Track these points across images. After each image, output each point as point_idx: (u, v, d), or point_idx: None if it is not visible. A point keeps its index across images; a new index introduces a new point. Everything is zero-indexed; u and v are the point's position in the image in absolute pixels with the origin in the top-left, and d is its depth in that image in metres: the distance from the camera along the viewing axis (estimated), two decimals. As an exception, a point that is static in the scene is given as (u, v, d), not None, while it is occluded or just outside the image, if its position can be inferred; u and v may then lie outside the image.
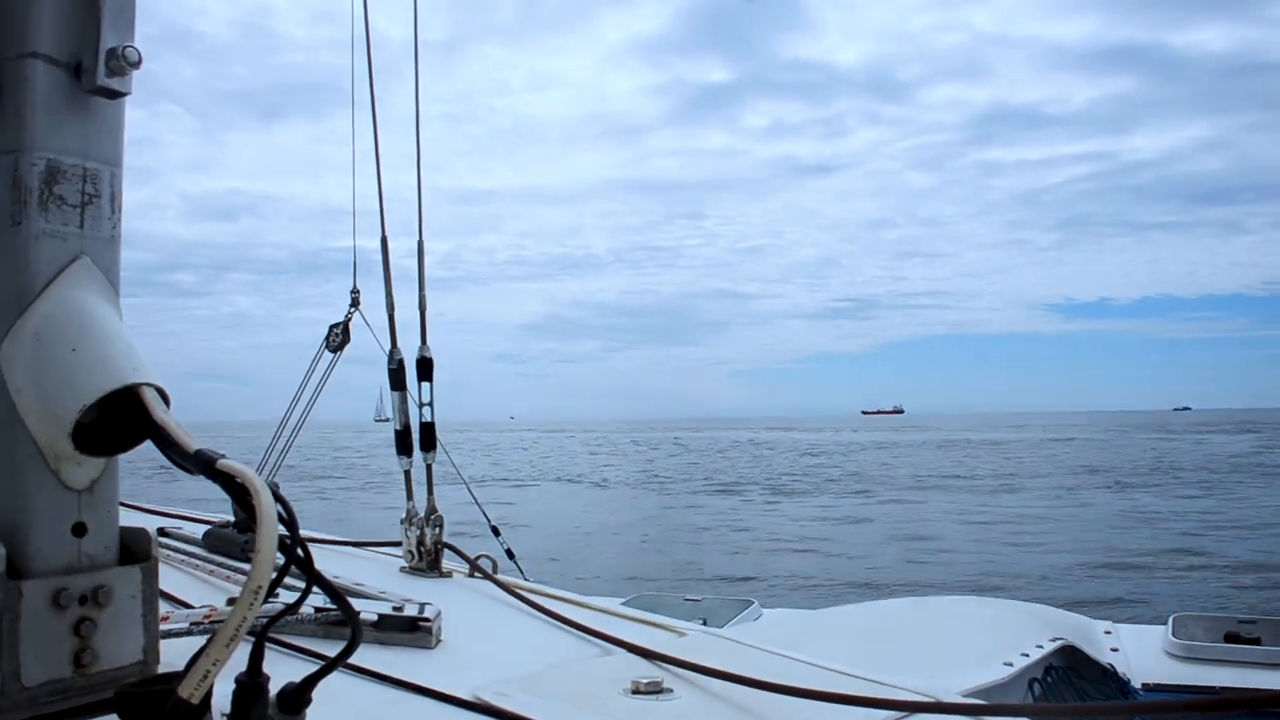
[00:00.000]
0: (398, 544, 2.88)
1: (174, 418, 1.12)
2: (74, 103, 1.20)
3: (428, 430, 2.94)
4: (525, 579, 3.10)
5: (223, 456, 1.04)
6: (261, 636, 1.06)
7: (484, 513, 3.83)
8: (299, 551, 1.02)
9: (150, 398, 1.12)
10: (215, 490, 1.05)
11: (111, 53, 1.19)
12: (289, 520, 1.01)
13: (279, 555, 0.99)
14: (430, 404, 2.93)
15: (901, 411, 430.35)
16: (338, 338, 3.65)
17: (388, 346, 3.03)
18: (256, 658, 1.05)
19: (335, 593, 1.06)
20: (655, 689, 1.71)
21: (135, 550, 1.26)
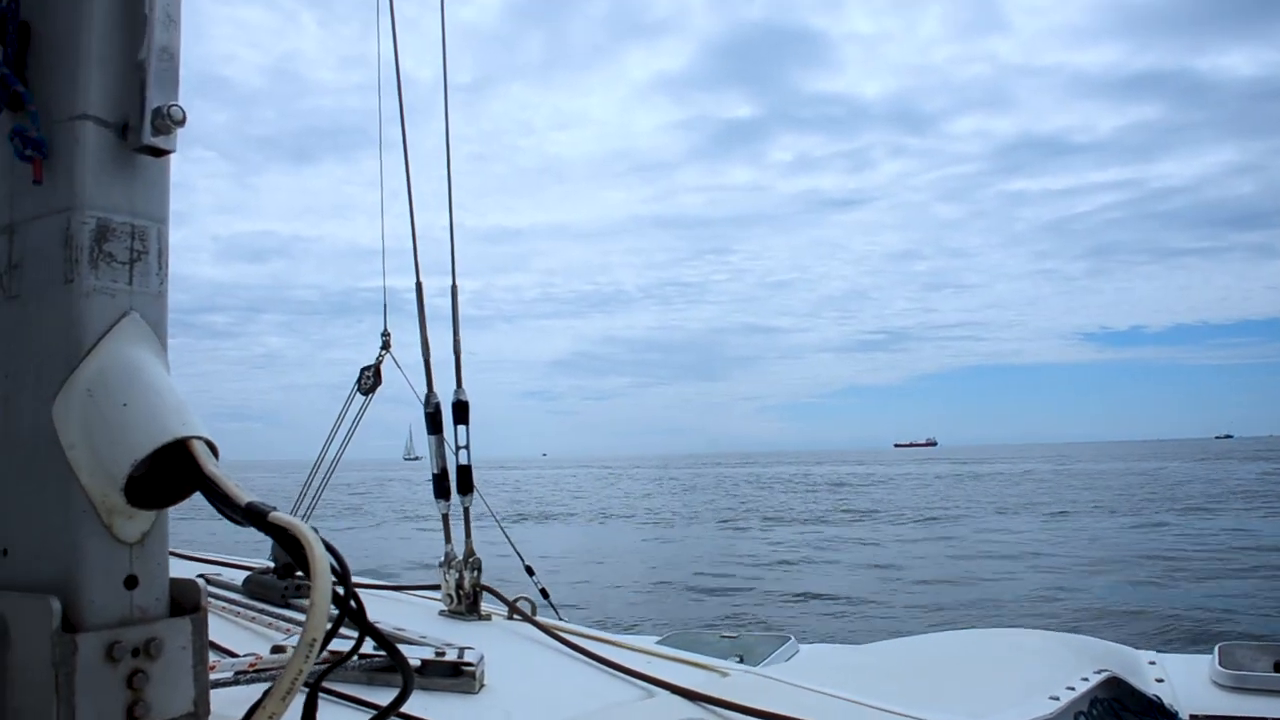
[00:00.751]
0: (436, 587, 2.88)
1: (223, 470, 1.13)
2: (122, 162, 1.22)
3: (464, 473, 2.94)
4: (560, 619, 3.09)
5: (274, 509, 1.05)
6: (315, 688, 1.06)
7: (517, 552, 3.82)
8: (352, 603, 1.02)
9: (200, 451, 1.13)
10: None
11: (157, 112, 1.22)
12: (341, 572, 1.01)
13: (333, 607, 0.99)
14: (466, 447, 2.93)
15: (935, 444, 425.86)
16: (369, 380, 3.67)
17: (421, 389, 3.04)
18: (310, 709, 1.05)
19: (388, 643, 1.07)
20: None
21: (184, 602, 1.26)
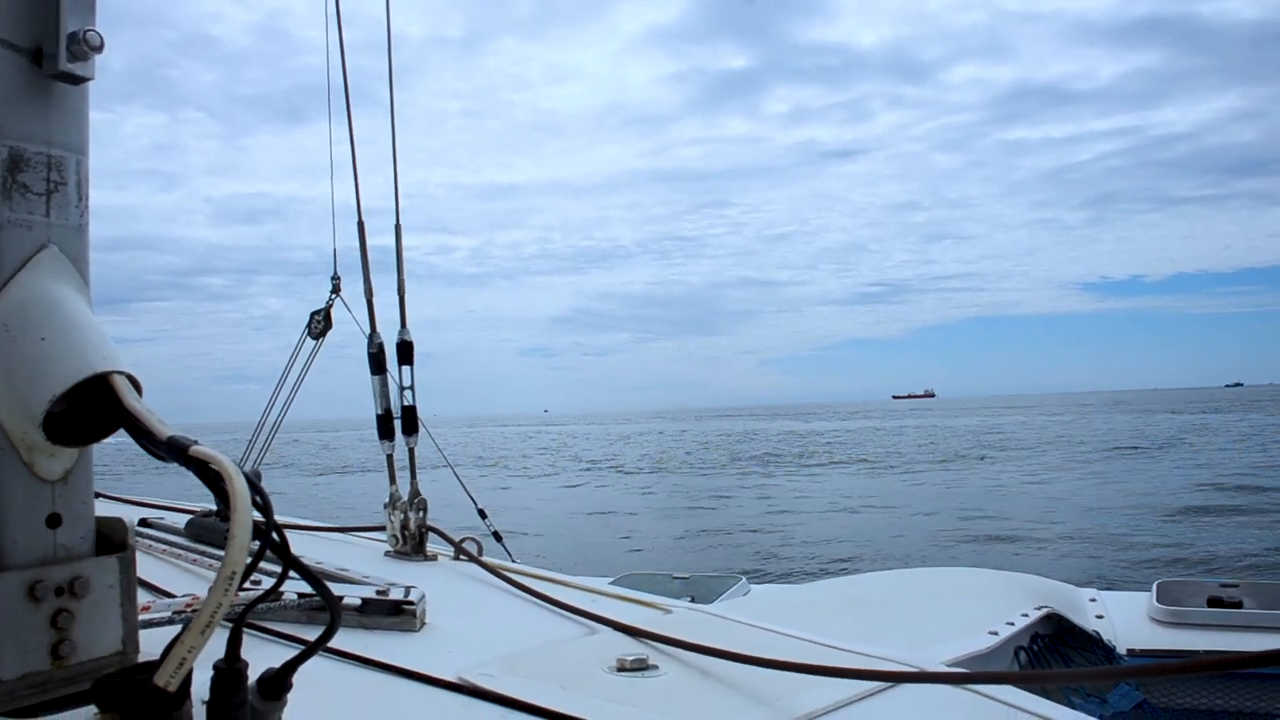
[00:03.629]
0: (382, 529, 2.88)
1: (146, 405, 1.10)
2: (35, 89, 1.18)
3: (409, 414, 2.93)
4: (513, 561, 3.11)
5: (196, 443, 1.03)
6: (239, 622, 1.06)
7: (469, 495, 3.84)
8: (274, 536, 1.01)
9: (122, 386, 1.10)
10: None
11: (73, 37, 1.17)
12: (264, 505, 1.00)
13: (254, 540, 0.98)
14: (411, 387, 2.92)
15: (933, 395, 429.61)
16: (319, 324, 3.64)
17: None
18: (234, 644, 1.04)
19: (312, 576, 1.06)
20: (641, 666, 1.71)
21: (112, 539, 1.25)
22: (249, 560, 0.97)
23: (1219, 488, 22.15)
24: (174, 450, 1.03)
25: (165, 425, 1.07)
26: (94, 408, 1.12)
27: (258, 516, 0.99)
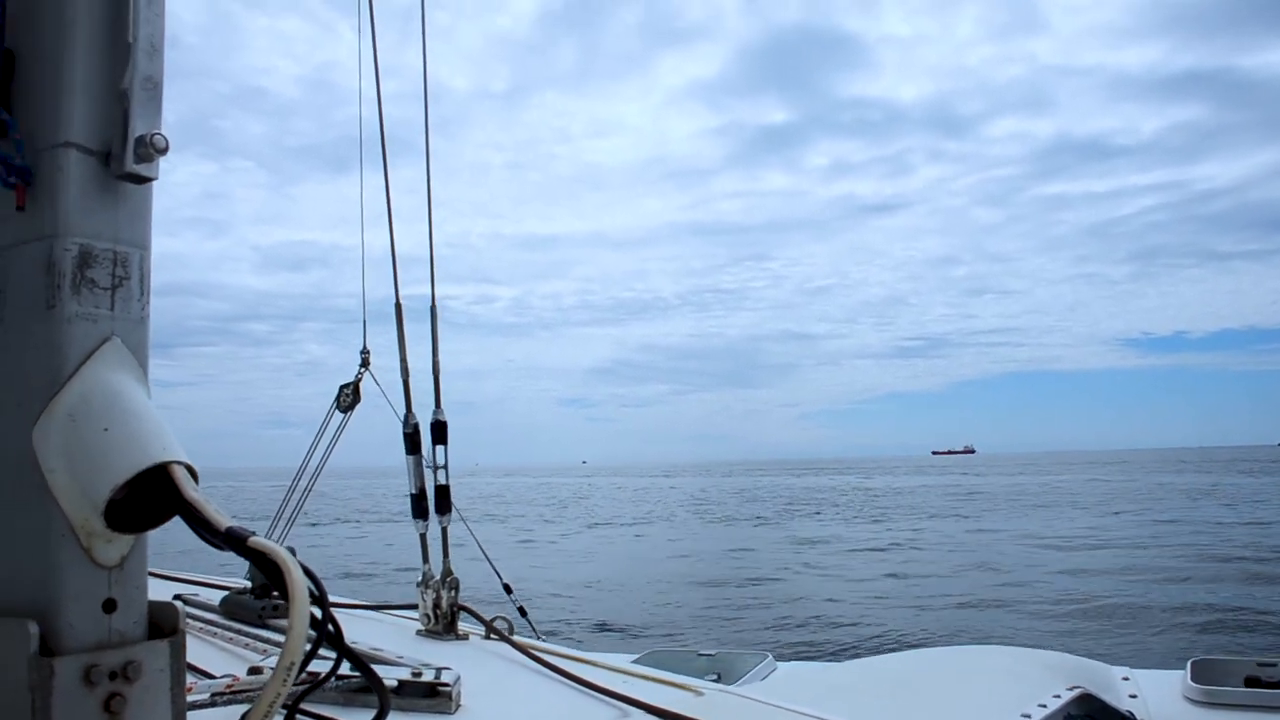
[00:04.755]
0: (414, 606, 2.88)
1: (203, 494, 1.14)
2: (104, 189, 1.23)
3: (442, 493, 2.94)
4: (539, 637, 3.10)
5: (253, 534, 1.06)
6: (293, 710, 1.07)
7: (495, 570, 3.83)
8: (329, 627, 1.03)
9: (180, 476, 1.14)
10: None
11: (140, 140, 1.23)
12: (319, 596, 1.02)
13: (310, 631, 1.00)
14: (445, 467, 2.94)
15: (973, 451, 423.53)
16: (348, 398, 3.67)
17: (401, 409, 3.04)
18: None
19: (365, 667, 1.08)
20: None
21: (162, 624, 1.27)
22: (306, 650, 0.99)
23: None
24: (232, 541, 1.06)
25: (223, 515, 1.10)
26: (152, 496, 1.15)
27: (314, 610, 1.01)
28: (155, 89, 1.25)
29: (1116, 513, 35.91)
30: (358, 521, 39.43)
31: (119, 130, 1.23)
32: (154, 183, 1.29)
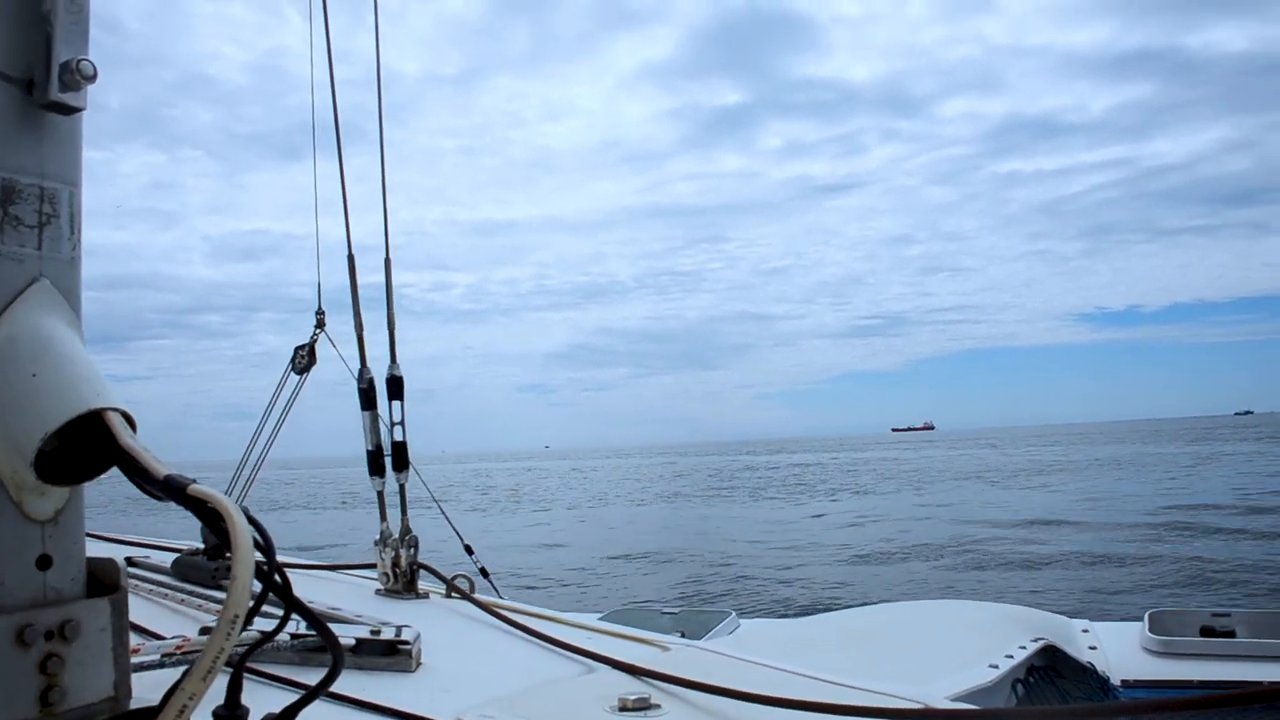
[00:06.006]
0: (372, 566, 2.83)
1: (141, 442, 1.07)
2: (28, 119, 1.15)
3: (400, 450, 2.89)
4: (501, 597, 3.06)
5: (194, 481, 1.00)
6: (240, 667, 1.02)
7: (456, 531, 3.79)
8: (276, 578, 0.98)
9: (116, 423, 1.07)
10: (186, 520, 1.01)
11: (65, 66, 1.14)
12: (265, 546, 0.97)
13: (256, 582, 0.95)
14: (401, 422, 2.89)
15: (933, 428, 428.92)
16: (303, 359, 3.60)
17: (355, 366, 2.99)
18: (235, 689, 1.01)
19: (315, 619, 1.03)
20: (643, 705, 1.68)
21: (103, 581, 1.21)
22: (251, 603, 0.94)
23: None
24: (171, 489, 1.00)
25: (162, 463, 1.04)
26: (87, 445, 1.08)
27: (258, 556, 0.96)
28: (80, 11, 1.17)
29: (1079, 482, 36.58)
30: (320, 509, 39.26)
31: (41, 56, 1.15)
32: (83, 114, 1.21)
